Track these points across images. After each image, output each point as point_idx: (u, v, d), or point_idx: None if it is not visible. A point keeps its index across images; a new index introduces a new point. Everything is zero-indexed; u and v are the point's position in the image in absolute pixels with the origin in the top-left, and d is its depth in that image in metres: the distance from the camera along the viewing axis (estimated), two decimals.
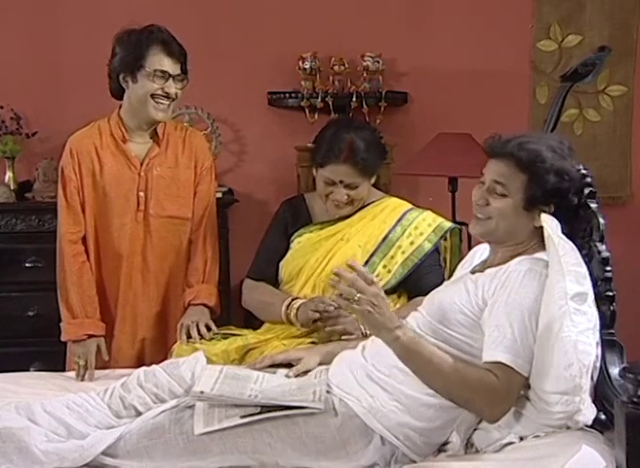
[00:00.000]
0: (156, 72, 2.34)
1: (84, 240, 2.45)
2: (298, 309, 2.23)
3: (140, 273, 2.46)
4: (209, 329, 2.33)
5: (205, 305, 2.44)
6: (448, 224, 2.34)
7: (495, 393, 1.63)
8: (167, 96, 2.37)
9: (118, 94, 2.45)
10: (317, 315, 2.18)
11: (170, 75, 2.36)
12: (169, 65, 2.35)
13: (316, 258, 2.30)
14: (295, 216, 2.42)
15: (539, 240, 1.81)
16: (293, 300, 2.26)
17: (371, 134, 2.32)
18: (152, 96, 2.36)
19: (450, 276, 2.36)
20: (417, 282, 2.28)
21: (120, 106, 2.47)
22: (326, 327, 2.19)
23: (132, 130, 2.46)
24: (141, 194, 2.43)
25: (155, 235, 2.45)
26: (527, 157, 1.78)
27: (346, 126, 2.31)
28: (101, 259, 2.47)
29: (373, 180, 2.35)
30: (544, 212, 1.78)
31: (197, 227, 2.50)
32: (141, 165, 2.45)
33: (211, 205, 2.53)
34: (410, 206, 2.38)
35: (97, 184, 2.43)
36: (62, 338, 2.43)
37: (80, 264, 2.42)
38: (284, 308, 2.26)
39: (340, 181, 2.27)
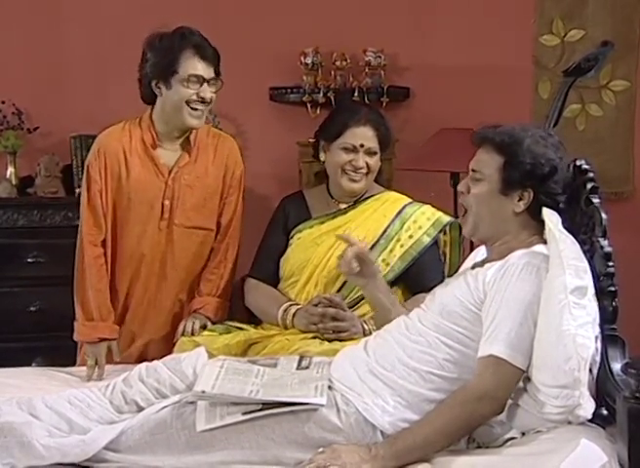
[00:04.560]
0: (190, 77, 2.28)
1: (103, 242, 2.41)
2: (294, 315, 2.24)
3: (155, 279, 2.44)
4: (204, 328, 2.35)
5: (208, 318, 2.42)
6: (447, 218, 2.34)
7: (482, 393, 1.64)
8: (202, 101, 2.31)
9: (149, 99, 2.38)
10: (314, 327, 2.20)
11: (204, 79, 2.30)
12: (203, 69, 2.29)
13: (318, 255, 2.30)
14: (294, 213, 2.42)
15: (537, 233, 1.80)
16: (289, 306, 2.27)
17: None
18: (187, 102, 2.30)
19: (450, 270, 2.37)
20: (417, 277, 2.28)
21: (152, 109, 2.41)
22: (327, 329, 2.20)
23: (163, 136, 2.40)
24: (167, 202, 2.39)
25: (178, 245, 2.42)
26: (504, 140, 1.80)
27: (355, 102, 2.38)
28: (117, 263, 2.44)
29: (381, 161, 2.36)
30: (523, 198, 1.79)
31: (222, 238, 2.47)
32: (170, 173, 2.40)
33: (237, 216, 2.49)
34: (409, 200, 2.39)
35: (121, 189, 2.39)
36: (75, 338, 2.42)
37: (99, 267, 2.39)
38: (280, 313, 2.26)
39: (361, 145, 2.29)
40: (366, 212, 2.35)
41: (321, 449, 1.64)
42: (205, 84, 2.31)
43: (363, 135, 2.29)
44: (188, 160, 2.41)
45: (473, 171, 1.85)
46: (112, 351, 2.39)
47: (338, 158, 2.31)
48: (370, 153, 2.30)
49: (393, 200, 2.38)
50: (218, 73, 2.35)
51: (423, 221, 2.32)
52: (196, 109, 2.32)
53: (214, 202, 2.45)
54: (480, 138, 1.86)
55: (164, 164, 2.40)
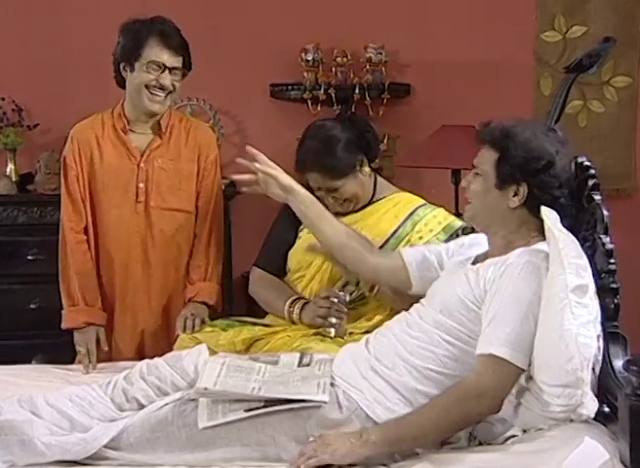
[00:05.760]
0: (151, 63, 2.33)
1: (85, 229, 2.44)
2: (301, 310, 2.23)
3: (139, 265, 2.45)
4: (204, 323, 2.34)
5: (205, 303, 2.43)
6: (458, 223, 2.31)
7: (481, 391, 1.64)
8: (162, 87, 2.35)
9: (122, 83, 2.44)
10: (320, 321, 2.19)
11: (166, 67, 2.34)
12: (166, 58, 2.34)
13: (326, 252, 2.29)
14: None
15: (538, 230, 1.80)
16: (295, 300, 2.26)
17: (341, 132, 2.25)
18: (147, 87, 2.35)
19: None
20: None
21: (125, 98, 2.46)
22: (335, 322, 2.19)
23: (133, 121, 2.45)
24: (141, 185, 2.42)
25: (156, 227, 2.44)
26: (497, 135, 1.80)
27: (315, 131, 2.29)
28: (100, 250, 2.46)
29: (364, 174, 2.29)
30: (518, 193, 1.78)
31: (202, 223, 2.48)
32: (142, 156, 2.43)
33: (216, 200, 2.51)
34: (422, 201, 2.36)
35: (96, 174, 2.43)
36: (62, 326, 2.43)
37: (82, 252, 2.43)
38: (287, 307, 2.26)
39: (319, 188, 2.26)
40: (378, 211, 2.33)
41: (311, 439, 1.65)
42: (166, 71, 2.35)
43: (314, 179, 2.26)
44: (160, 142, 2.45)
45: (474, 166, 1.86)
46: (100, 339, 2.40)
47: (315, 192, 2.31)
48: (330, 191, 2.27)
49: (406, 202, 2.36)
50: (187, 64, 2.39)
51: (435, 225, 2.30)
52: (156, 95, 2.36)
53: (189, 184, 2.46)
54: (480, 135, 1.87)
55: (136, 147, 2.44)
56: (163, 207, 2.44)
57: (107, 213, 2.43)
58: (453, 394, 1.66)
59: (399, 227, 2.29)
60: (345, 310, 2.20)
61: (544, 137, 1.80)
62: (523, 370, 1.66)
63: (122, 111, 2.45)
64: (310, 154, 2.24)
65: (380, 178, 2.41)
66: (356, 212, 2.34)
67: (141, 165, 2.43)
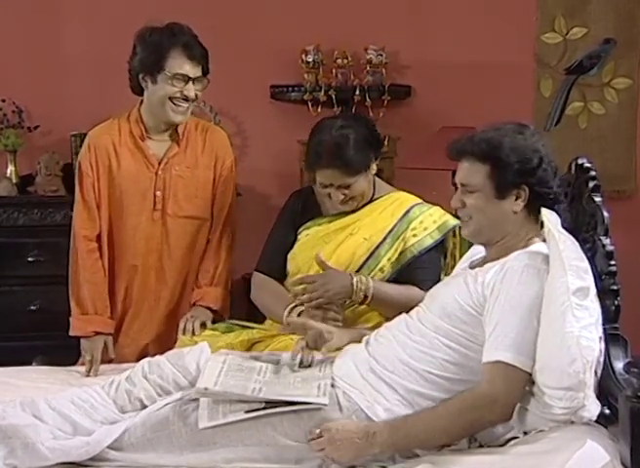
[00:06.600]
0: (176, 76, 2.32)
1: (98, 237, 2.44)
2: (298, 316, 2.22)
3: (154, 272, 2.46)
4: (204, 326, 2.34)
5: (209, 308, 2.43)
6: (454, 222, 2.31)
7: (493, 398, 1.64)
8: (186, 98, 2.34)
9: (138, 91, 2.42)
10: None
11: (190, 78, 2.33)
12: (189, 69, 2.33)
13: (325, 253, 2.29)
14: (304, 208, 2.40)
15: (536, 231, 1.79)
16: (295, 307, 2.25)
17: (356, 130, 2.23)
18: (171, 98, 2.34)
19: None
20: (410, 275, 2.26)
21: (141, 103, 2.44)
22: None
23: (151, 128, 2.44)
24: (158, 193, 2.42)
25: (172, 235, 2.44)
26: (484, 148, 1.79)
27: (329, 127, 2.25)
28: (116, 257, 2.46)
29: (372, 173, 2.31)
30: (520, 196, 1.78)
31: (215, 228, 2.49)
32: (159, 164, 2.43)
33: (230, 205, 2.51)
34: (418, 200, 2.36)
35: (113, 181, 2.42)
36: (70, 333, 2.43)
37: (94, 261, 2.42)
38: (286, 314, 2.25)
39: (331, 184, 2.25)
40: (375, 211, 2.33)
41: (318, 431, 1.65)
42: (190, 82, 2.34)
43: (329, 175, 2.24)
44: (177, 150, 2.44)
45: (462, 185, 1.83)
46: (107, 347, 2.40)
47: (320, 190, 2.31)
48: (341, 187, 2.26)
49: (403, 200, 2.36)
50: (206, 71, 2.38)
51: (429, 223, 2.30)
52: (179, 106, 2.35)
53: (206, 191, 2.47)
54: (459, 152, 1.84)
55: (153, 155, 2.44)
56: (180, 214, 2.44)
57: (125, 220, 2.43)
58: (464, 401, 1.66)
59: (395, 226, 2.29)
60: (340, 317, 2.20)
61: (522, 136, 1.80)
62: (530, 375, 1.66)
63: (139, 117, 2.44)
64: (327, 150, 2.21)
65: (376, 178, 2.40)
66: (354, 211, 2.34)
67: (159, 173, 2.43)
